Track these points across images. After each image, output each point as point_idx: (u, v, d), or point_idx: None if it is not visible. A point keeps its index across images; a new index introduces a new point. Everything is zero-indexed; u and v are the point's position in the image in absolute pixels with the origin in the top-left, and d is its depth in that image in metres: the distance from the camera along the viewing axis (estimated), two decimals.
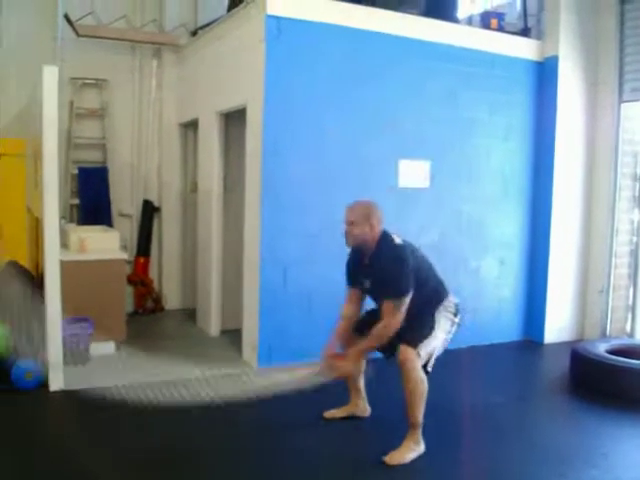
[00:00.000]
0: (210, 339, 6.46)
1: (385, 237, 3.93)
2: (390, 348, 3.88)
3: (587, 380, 5.21)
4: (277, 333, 5.48)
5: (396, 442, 3.84)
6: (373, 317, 3.97)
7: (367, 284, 4.01)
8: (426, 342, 3.81)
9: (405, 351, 3.74)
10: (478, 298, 6.47)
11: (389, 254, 3.86)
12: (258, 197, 5.41)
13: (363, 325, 4.06)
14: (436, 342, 3.88)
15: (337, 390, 4.50)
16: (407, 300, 3.78)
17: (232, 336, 6.31)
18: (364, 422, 4.39)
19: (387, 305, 3.80)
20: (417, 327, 3.85)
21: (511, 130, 6.54)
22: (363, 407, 4.44)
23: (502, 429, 4.37)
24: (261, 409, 4.59)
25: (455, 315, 4.04)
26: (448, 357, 5.91)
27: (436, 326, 3.90)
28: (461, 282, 6.28)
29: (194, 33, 7.19)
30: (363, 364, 4.31)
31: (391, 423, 4.24)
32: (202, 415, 4.43)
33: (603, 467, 3.80)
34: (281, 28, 5.30)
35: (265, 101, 5.30)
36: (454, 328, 4.04)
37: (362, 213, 3.89)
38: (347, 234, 3.94)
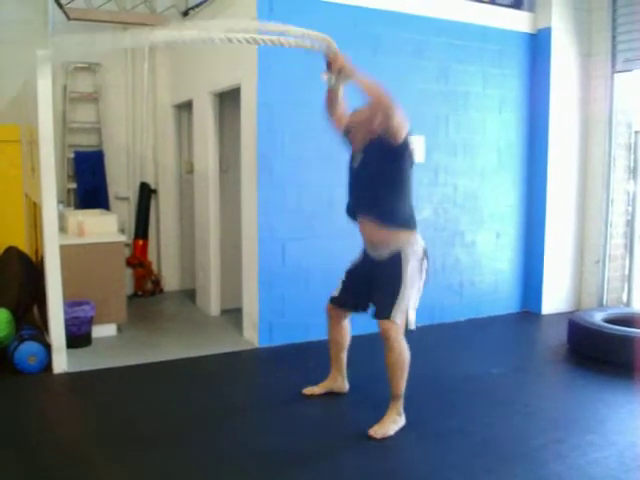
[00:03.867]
0: (210, 319, 6.51)
1: None
2: (362, 304, 4.05)
3: (585, 349, 5.27)
4: (277, 310, 5.53)
5: (378, 416, 3.88)
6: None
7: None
8: (397, 304, 3.78)
9: (382, 324, 3.79)
10: (475, 271, 6.52)
11: None
12: (254, 176, 5.43)
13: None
14: (408, 298, 3.83)
15: (315, 368, 4.60)
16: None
17: (232, 315, 6.36)
18: (344, 398, 4.42)
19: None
20: (385, 292, 3.83)
21: (505, 103, 6.54)
22: (341, 383, 4.46)
23: (501, 399, 4.43)
24: (246, 387, 4.69)
25: (423, 260, 3.93)
26: (447, 330, 5.99)
27: (403, 281, 3.81)
28: (458, 256, 6.35)
29: (185, 13, 7.15)
30: (348, 338, 4.37)
31: (370, 398, 4.32)
32: (194, 394, 4.51)
33: (600, 433, 3.87)
34: (273, 6, 5.29)
35: (258, 80, 5.31)
36: (424, 275, 3.96)
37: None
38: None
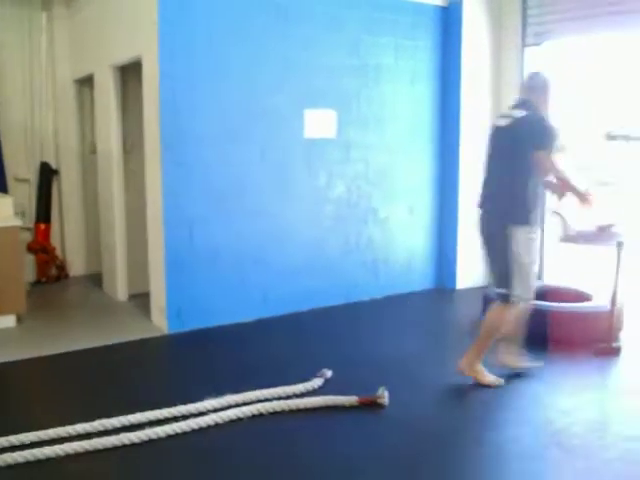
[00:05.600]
0: (117, 304, 6.23)
1: None
2: None
3: None
4: (186, 294, 5.31)
5: None
6: None
7: None
8: None
9: None
10: (389, 248, 6.45)
11: None
12: (158, 154, 5.17)
13: None
14: None
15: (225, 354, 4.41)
16: None
17: (140, 300, 6.08)
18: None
19: None
20: None
21: (417, 75, 6.47)
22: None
23: (418, 377, 4.37)
24: (154, 378, 4.47)
25: None
26: (362, 308, 5.89)
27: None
28: (371, 232, 6.27)
29: None
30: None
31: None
32: (99, 387, 4.27)
33: (516, 409, 3.88)
34: None
35: (160, 52, 5.04)
36: None
37: None
38: None
